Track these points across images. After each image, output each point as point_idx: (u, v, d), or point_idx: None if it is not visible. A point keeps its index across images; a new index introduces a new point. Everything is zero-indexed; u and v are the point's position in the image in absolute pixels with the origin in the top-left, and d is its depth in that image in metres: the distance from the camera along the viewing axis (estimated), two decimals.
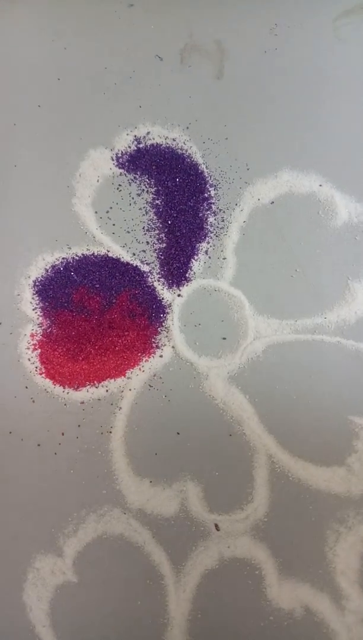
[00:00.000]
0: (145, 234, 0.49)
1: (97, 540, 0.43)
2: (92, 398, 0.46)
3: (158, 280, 0.48)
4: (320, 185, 0.50)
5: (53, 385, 0.46)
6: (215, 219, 0.49)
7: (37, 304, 0.48)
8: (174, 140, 0.51)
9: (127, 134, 0.51)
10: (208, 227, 0.49)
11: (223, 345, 0.47)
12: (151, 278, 0.48)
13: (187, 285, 0.48)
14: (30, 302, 0.48)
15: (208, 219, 0.49)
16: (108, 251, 0.49)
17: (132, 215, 0.50)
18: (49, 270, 0.49)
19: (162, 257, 0.49)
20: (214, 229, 0.49)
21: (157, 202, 0.50)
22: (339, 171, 0.50)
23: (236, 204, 0.50)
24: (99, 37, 0.54)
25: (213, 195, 0.50)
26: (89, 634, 0.42)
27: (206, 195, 0.50)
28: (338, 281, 0.48)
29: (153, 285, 0.48)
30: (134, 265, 0.48)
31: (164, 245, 0.49)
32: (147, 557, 0.43)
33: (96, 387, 0.46)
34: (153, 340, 0.47)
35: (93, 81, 0.53)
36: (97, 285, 0.48)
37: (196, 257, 0.49)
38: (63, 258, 0.49)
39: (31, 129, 0.52)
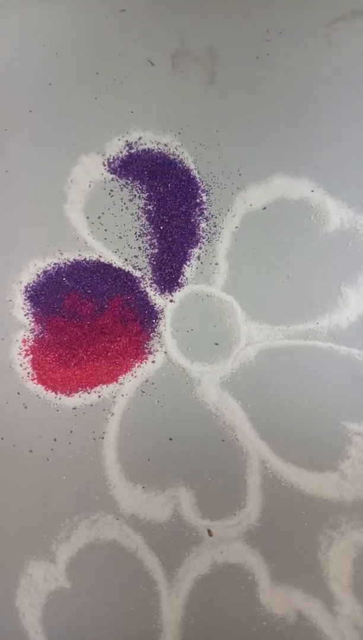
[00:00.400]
0: (137, 239, 0.49)
1: (90, 546, 0.43)
2: (84, 404, 0.46)
3: (150, 286, 0.48)
4: (312, 191, 0.50)
5: (45, 391, 0.46)
6: (207, 225, 0.49)
7: (29, 310, 0.48)
8: (166, 145, 0.51)
9: (119, 139, 0.51)
10: (200, 232, 0.49)
11: (216, 351, 0.47)
12: (143, 283, 0.48)
13: (179, 290, 0.48)
14: (22, 308, 0.48)
15: (200, 225, 0.49)
16: (100, 257, 0.49)
17: (124, 221, 0.50)
18: (41, 276, 0.49)
19: (154, 263, 0.49)
20: (206, 235, 0.49)
21: (149, 207, 0.50)
22: (331, 177, 0.50)
23: (228, 210, 0.50)
24: (90, 42, 0.54)
25: (205, 200, 0.50)
26: None
27: (198, 200, 0.50)
28: (330, 287, 0.48)
29: (145, 290, 0.48)
30: (126, 270, 0.48)
31: (157, 250, 0.49)
32: (140, 562, 0.43)
33: (88, 393, 0.46)
34: (145, 345, 0.47)
35: (85, 86, 0.53)
36: (89, 291, 0.48)
37: (188, 263, 0.49)
38: (55, 263, 0.49)
39: (22, 134, 0.52)
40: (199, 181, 0.50)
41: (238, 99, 0.52)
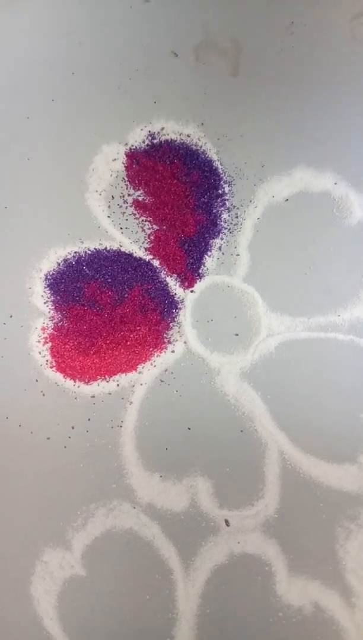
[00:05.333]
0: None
1: (106, 534, 0.43)
2: (102, 392, 0.46)
3: (170, 276, 0.48)
4: (335, 184, 0.50)
5: (64, 378, 0.46)
6: (229, 216, 0.49)
7: (48, 298, 0.48)
8: (188, 136, 0.51)
9: (141, 130, 0.51)
10: (222, 223, 0.49)
11: (235, 342, 0.47)
12: (164, 273, 0.48)
13: (200, 281, 0.48)
14: (42, 296, 0.48)
15: (222, 216, 0.49)
16: (121, 246, 0.49)
17: None
18: (61, 264, 0.49)
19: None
20: (228, 226, 0.49)
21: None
22: (354, 170, 0.50)
23: (250, 201, 0.50)
24: (114, 32, 0.54)
25: (227, 191, 0.50)
26: (96, 628, 0.42)
27: (220, 191, 0.50)
28: (352, 279, 0.48)
29: (165, 280, 0.48)
30: (147, 260, 0.48)
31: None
32: (156, 551, 0.43)
33: (107, 382, 0.46)
34: (164, 335, 0.47)
35: (107, 76, 0.53)
36: (110, 280, 0.48)
37: (209, 253, 0.49)
38: (75, 252, 0.49)
39: (45, 123, 0.52)
40: (221, 172, 0.50)
41: (261, 91, 0.52)
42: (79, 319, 0.47)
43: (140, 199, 0.50)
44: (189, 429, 0.45)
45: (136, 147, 0.51)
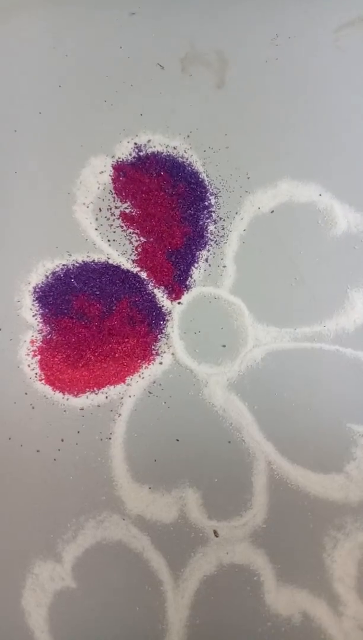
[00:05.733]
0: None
1: (96, 546, 0.43)
2: (91, 404, 0.46)
3: (158, 288, 0.48)
4: (320, 195, 0.50)
5: (53, 391, 0.46)
6: (215, 227, 0.50)
7: (37, 311, 0.48)
8: (175, 148, 0.52)
9: (128, 142, 0.52)
10: (208, 235, 0.50)
11: (223, 353, 0.47)
12: (151, 285, 0.48)
13: (187, 292, 0.48)
14: (31, 309, 0.48)
15: (208, 227, 0.50)
16: (108, 258, 0.49)
17: None
18: (50, 277, 0.49)
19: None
20: (214, 237, 0.50)
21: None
22: (339, 181, 0.51)
23: (236, 213, 0.50)
24: (100, 45, 0.55)
25: (213, 203, 0.50)
26: None
27: (206, 203, 0.50)
28: (337, 290, 0.48)
29: (153, 292, 0.48)
30: (134, 272, 0.49)
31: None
32: (146, 563, 0.43)
33: (96, 394, 0.46)
34: (152, 347, 0.47)
35: (94, 89, 0.53)
36: (98, 292, 0.48)
37: (196, 265, 0.49)
38: (63, 265, 0.49)
39: (32, 136, 0.52)
40: (207, 184, 0.51)
41: (246, 103, 0.53)
42: (68, 331, 0.47)
43: (127, 211, 0.50)
44: (177, 440, 0.45)
45: (123, 160, 0.51)
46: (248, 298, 0.48)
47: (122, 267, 0.49)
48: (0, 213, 0.50)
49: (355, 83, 0.53)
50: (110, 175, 0.51)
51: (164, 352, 0.47)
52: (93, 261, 0.49)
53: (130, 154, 0.51)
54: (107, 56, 0.54)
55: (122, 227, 0.50)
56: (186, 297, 0.48)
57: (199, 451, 0.45)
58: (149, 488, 0.44)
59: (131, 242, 0.49)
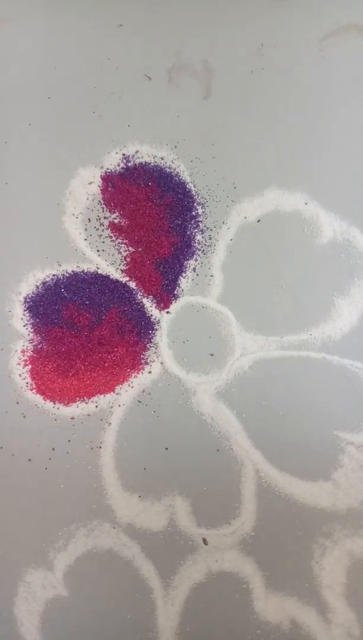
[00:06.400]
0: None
1: (87, 554, 0.44)
2: (82, 414, 0.46)
3: (147, 297, 0.49)
4: (306, 204, 0.50)
5: (44, 400, 0.47)
6: (203, 237, 0.50)
7: (28, 320, 0.48)
8: (162, 159, 0.52)
9: (116, 153, 0.52)
10: (196, 244, 0.50)
11: (211, 362, 0.47)
12: (140, 295, 0.49)
13: (175, 302, 0.49)
14: (22, 319, 0.48)
15: (196, 237, 0.50)
16: (98, 268, 0.50)
17: None
18: (40, 287, 0.49)
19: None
20: (201, 247, 0.50)
21: None
22: (324, 190, 0.51)
23: (223, 222, 0.50)
24: (88, 57, 0.55)
25: (200, 213, 0.51)
26: None
27: (193, 213, 0.51)
28: (323, 298, 0.48)
29: (141, 302, 0.49)
30: (123, 282, 0.49)
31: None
32: (136, 571, 0.43)
33: (86, 403, 0.47)
34: (141, 356, 0.47)
35: (83, 100, 0.54)
36: (87, 302, 0.48)
37: (184, 275, 0.49)
38: (53, 275, 0.49)
39: (21, 147, 0.53)
40: (195, 194, 0.51)
41: (233, 113, 0.53)
42: (58, 341, 0.48)
43: (116, 221, 0.50)
44: (166, 449, 0.45)
45: (111, 170, 0.52)
46: (236, 307, 0.48)
47: (111, 277, 0.49)
48: None
49: (341, 92, 0.53)
50: (99, 186, 0.51)
51: (153, 361, 0.47)
52: (82, 271, 0.49)
53: (118, 165, 0.52)
54: (96, 68, 0.55)
55: (111, 237, 0.50)
56: (174, 307, 0.49)
57: (188, 459, 0.45)
58: (139, 496, 0.44)
59: (120, 252, 0.50)
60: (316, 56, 0.54)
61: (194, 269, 0.49)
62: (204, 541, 0.43)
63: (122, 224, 0.50)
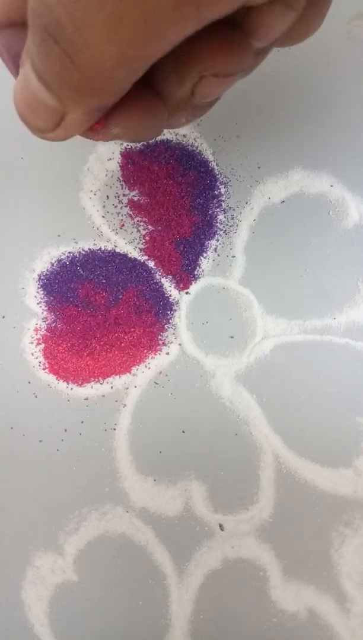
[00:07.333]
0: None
1: (99, 538, 0.42)
2: (96, 394, 0.45)
3: (166, 277, 0.48)
4: (331, 186, 0.50)
5: (57, 380, 0.46)
6: (225, 217, 0.49)
7: (41, 298, 0.47)
8: (184, 136, 0.51)
9: None
10: (218, 224, 0.49)
11: (231, 344, 0.46)
12: (159, 275, 0.48)
13: (195, 282, 0.48)
14: (35, 296, 0.47)
15: (218, 217, 0.49)
16: (115, 246, 0.48)
17: None
18: (55, 264, 0.48)
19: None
20: (223, 227, 0.49)
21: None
22: (351, 172, 0.50)
23: (246, 202, 0.49)
24: None
25: (223, 192, 0.50)
26: (88, 634, 0.41)
27: (216, 192, 0.49)
28: (348, 282, 0.47)
29: (160, 281, 0.48)
30: (142, 261, 0.48)
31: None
32: (149, 556, 0.42)
33: (101, 384, 0.45)
34: (159, 337, 0.46)
35: None
36: (104, 281, 0.47)
37: (204, 255, 0.48)
38: (69, 252, 0.48)
39: None
40: (217, 173, 0.50)
41: (258, 92, 0.52)
42: (73, 320, 0.47)
43: (135, 199, 0.49)
44: (183, 432, 0.44)
45: (131, 147, 0.51)
46: (258, 289, 0.47)
47: (130, 255, 0.48)
48: (6, 199, 0.50)
49: None
50: (118, 163, 0.50)
51: (171, 342, 0.46)
52: (100, 249, 0.48)
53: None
54: None
55: (130, 215, 0.49)
56: (194, 287, 0.48)
57: (205, 443, 0.44)
58: (154, 480, 0.43)
59: (138, 231, 0.49)
60: (343, 37, 0.53)
61: (215, 249, 0.48)
62: (221, 527, 0.43)
63: (141, 201, 0.49)
